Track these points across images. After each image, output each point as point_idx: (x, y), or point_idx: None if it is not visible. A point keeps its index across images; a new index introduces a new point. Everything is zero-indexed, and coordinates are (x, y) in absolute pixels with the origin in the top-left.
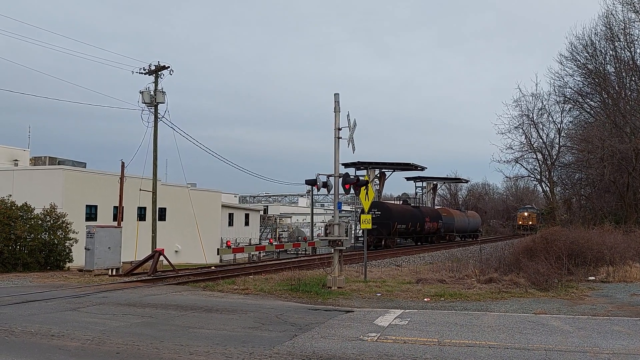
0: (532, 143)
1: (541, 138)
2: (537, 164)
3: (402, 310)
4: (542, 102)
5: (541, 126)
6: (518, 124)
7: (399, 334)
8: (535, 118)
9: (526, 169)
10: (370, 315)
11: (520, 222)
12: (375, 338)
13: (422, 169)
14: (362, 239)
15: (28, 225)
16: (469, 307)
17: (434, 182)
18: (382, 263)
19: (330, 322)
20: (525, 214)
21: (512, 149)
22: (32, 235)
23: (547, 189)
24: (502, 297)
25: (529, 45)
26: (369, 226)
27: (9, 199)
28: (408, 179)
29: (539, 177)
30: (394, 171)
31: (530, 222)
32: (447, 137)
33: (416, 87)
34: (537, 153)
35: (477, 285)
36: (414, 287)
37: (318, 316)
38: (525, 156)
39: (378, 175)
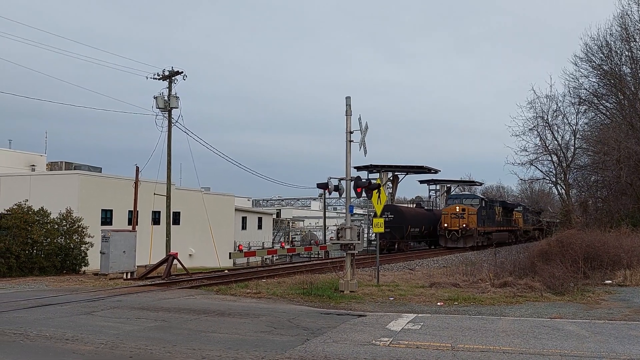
0: (547, 145)
1: (556, 140)
2: (552, 166)
3: (415, 315)
4: (557, 104)
5: (556, 128)
6: (532, 125)
7: (411, 338)
8: (550, 120)
9: (541, 171)
10: (383, 319)
11: (445, 225)
12: (388, 343)
13: (436, 171)
14: (375, 242)
15: (44, 230)
16: (483, 311)
17: (448, 185)
18: (395, 267)
19: (343, 326)
20: (457, 209)
21: (526, 151)
22: (49, 239)
23: (563, 191)
24: (517, 301)
25: (543, 47)
26: (382, 230)
27: (25, 204)
28: (421, 181)
29: (554, 179)
30: (407, 174)
31: (464, 225)
32: (460, 140)
33: (428, 90)
34: (552, 155)
35: (491, 289)
36: (427, 291)
37: (330, 320)
38: (540, 158)
39: (391, 179)
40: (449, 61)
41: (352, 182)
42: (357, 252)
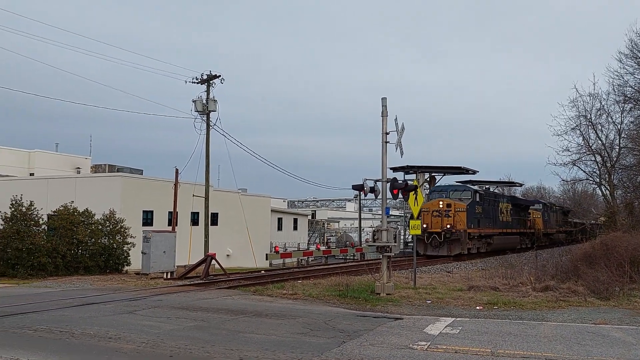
0: (590, 145)
1: (600, 139)
2: (596, 167)
3: (453, 319)
4: (601, 102)
5: (600, 127)
6: (575, 125)
7: (450, 343)
8: (593, 119)
9: (584, 171)
10: (420, 323)
11: (424, 226)
12: (425, 347)
13: (474, 172)
14: (412, 244)
15: (89, 230)
16: (524, 316)
17: (486, 186)
18: (432, 269)
19: (379, 329)
20: (441, 204)
21: (568, 151)
22: (93, 239)
23: (607, 192)
24: (560, 305)
25: (585, 44)
26: (419, 232)
27: (71, 205)
28: (457, 182)
29: (598, 180)
30: (444, 175)
31: (449, 225)
32: (499, 140)
33: (466, 90)
34: (596, 155)
35: (532, 293)
36: (465, 295)
37: (366, 323)
38: (583, 158)
39: (428, 180)
40: (486, 60)
41: (389, 184)
42: (393, 254)
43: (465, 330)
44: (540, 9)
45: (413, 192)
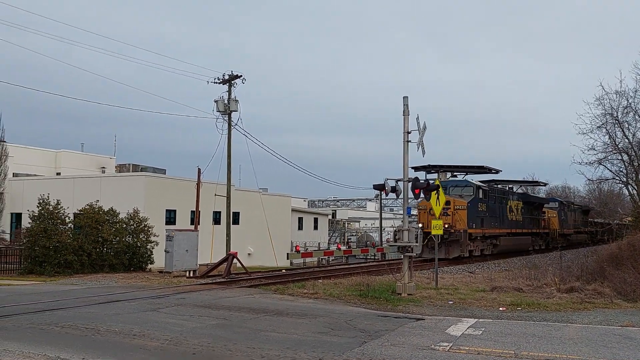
0: (617, 143)
1: (627, 138)
2: (623, 166)
3: (476, 320)
4: (628, 100)
5: (627, 125)
6: (601, 123)
7: (472, 344)
8: (620, 117)
9: (610, 170)
10: (442, 323)
11: (419, 225)
12: (448, 348)
13: (497, 171)
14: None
15: (114, 229)
16: (548, 317)
17: (509, 185)
18: (454, 269)
19: (401, 329)
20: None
21: (594, 149)
22: (118, 238)
23: (635, 192)
24: (585, 307)
25: (611, 41)
26: (440, 232)
27: (96, 204)
28: (481, 182)
29: (624, 179)
30: (467, 174)
31: (447, 225)
32: (522, 139)
33: (488, 88)
34: (623, 154)
35: (557, 294)
36: (488, 295)
37: (388, 323)
38: (609, 157)
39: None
40: (509, 58)
41: (410, 184)
42: (415, 254)
43: (488, 331)
44: (565, 5)
45: (435, 191)
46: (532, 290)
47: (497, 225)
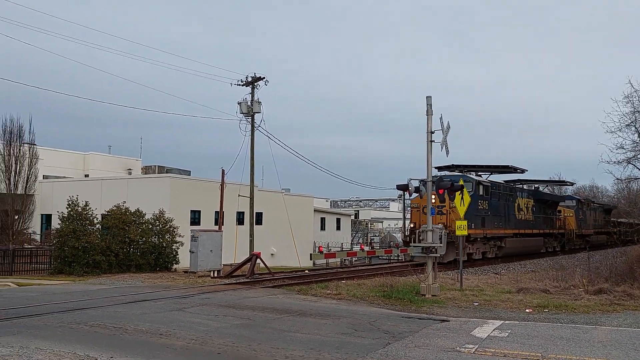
0: None
1: None
2: None
3: (502, 321)
4: None
5: None
6: (630, 121)
7: (498, 346)
8: None
9: None
10: (467, 325)
11: (411, 225)
12: (473, 350)
13: (522, 171)
14: None
15: (140, 230)
16: (576, 319)
17: (536, 185)
18: (479, 270)
19: (425, 331)
20: (433, 199)
21: (623, 148)
22: (144, 238)
23: None
24: (614, 309)
25: (638, 37)
26: (465, 232)
27: (123, 205)
28: (507, 182)
29: None
30: (492, 174)
31: (441, 224)
32: (548, 138)
33: (512, 87)
34: None
35: (585, 296)
36: (514, 297)
37: (412, 324)
38: (638, 156)
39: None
40: (531, 56)
41: (434, 184)
42: (439, 255)
43: (515, 333)
44: (590, 1)
45: (459, 191)
46: (559, 291)
47: (501, 225)
